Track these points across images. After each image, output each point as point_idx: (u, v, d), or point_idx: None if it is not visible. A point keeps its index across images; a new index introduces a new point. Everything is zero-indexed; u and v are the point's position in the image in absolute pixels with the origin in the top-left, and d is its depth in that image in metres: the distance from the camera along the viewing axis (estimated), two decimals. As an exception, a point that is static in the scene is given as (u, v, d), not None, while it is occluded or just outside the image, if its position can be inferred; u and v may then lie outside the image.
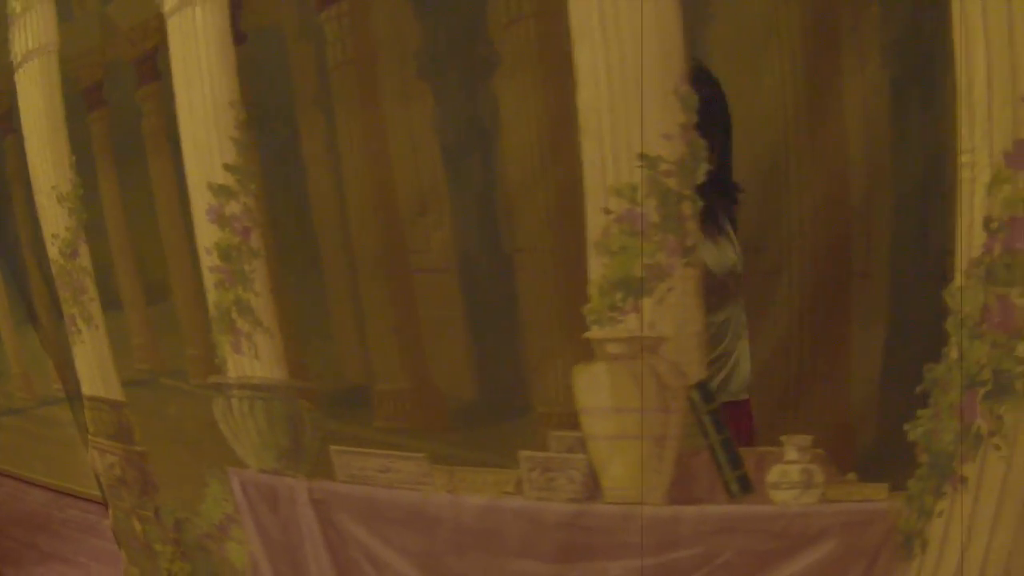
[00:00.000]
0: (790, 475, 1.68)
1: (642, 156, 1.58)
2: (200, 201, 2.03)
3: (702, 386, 1.66)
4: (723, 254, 1.95)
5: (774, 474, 1.68)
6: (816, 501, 1.69)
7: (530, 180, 2.07)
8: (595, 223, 1.62)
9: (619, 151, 1.59)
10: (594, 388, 1.68)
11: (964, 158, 1.53)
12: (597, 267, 1.63)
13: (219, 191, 2.00)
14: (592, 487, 1.74)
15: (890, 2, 2.23)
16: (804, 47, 2.15)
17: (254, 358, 2.03)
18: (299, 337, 2.20)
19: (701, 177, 1.59)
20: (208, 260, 2.04)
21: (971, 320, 1.57)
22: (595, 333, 1.65)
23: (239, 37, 2.21)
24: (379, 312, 2.21)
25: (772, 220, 2.17)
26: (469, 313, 2.12)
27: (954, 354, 1.57)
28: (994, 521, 1.64)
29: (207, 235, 2.03)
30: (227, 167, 1.99)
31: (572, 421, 1.91)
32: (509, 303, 2.07)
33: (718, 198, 1.94)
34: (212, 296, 2.05)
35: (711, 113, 1.80)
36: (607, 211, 1.61)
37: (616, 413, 1.68)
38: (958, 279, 1.56)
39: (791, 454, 1.67)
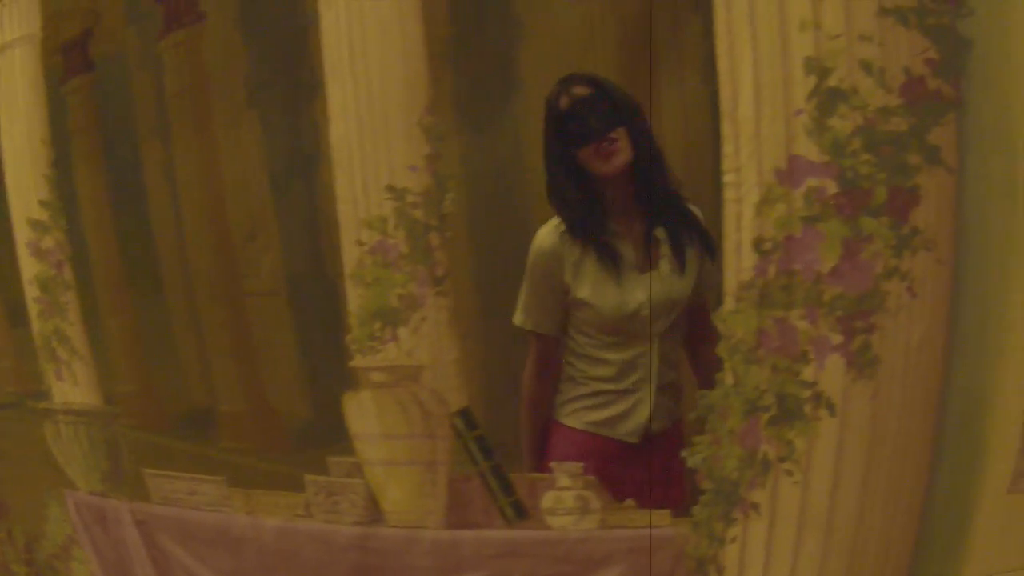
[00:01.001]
0: (564, 501, 1.66)
1: (390, 188, 1.58)
2: (21, 235, 2.08)
3: (464, 413, 1.64)
4: (624, 295, 1.76)
5: (548, 500, 1.66)
6: (596, 527, 1.67)
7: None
8: (350, 255, 1.63)
9: (369, 184, 1.59)
10: (362, 415, 1.68)
11: (728, 178, 1.47)
12: (355, 298, 1.64)
13: (36, 226, 2.05)
14: (374, 510, 1.74)
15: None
16: (620, 64, 2.12)
17: (74, 385, 2.07)
18: (147, 359, 2.25)
19: (448, 207, 1.59)
20: (31, 291, 2.09)
21: (745, 345, 1.51)
22: (358, 362, 1.66)
23: (88, 66, 2.27)
24: (217, 335, 2.25)
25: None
26: (300, 335, 2.15)
27: (730, 380, 1.53)
28: (796, 548, 1.58)
29: (28, 267, 2.07)
30: (42, 203, 2.04)
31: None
32: (335, 325, 2.09)
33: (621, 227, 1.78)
34: (36, 326, 2.10)
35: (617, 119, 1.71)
36: (360, 243, 1.61)
37: (385, 439, 1.68)
38: (728, 303, 1.51)
39: (563, 480, 1.64)
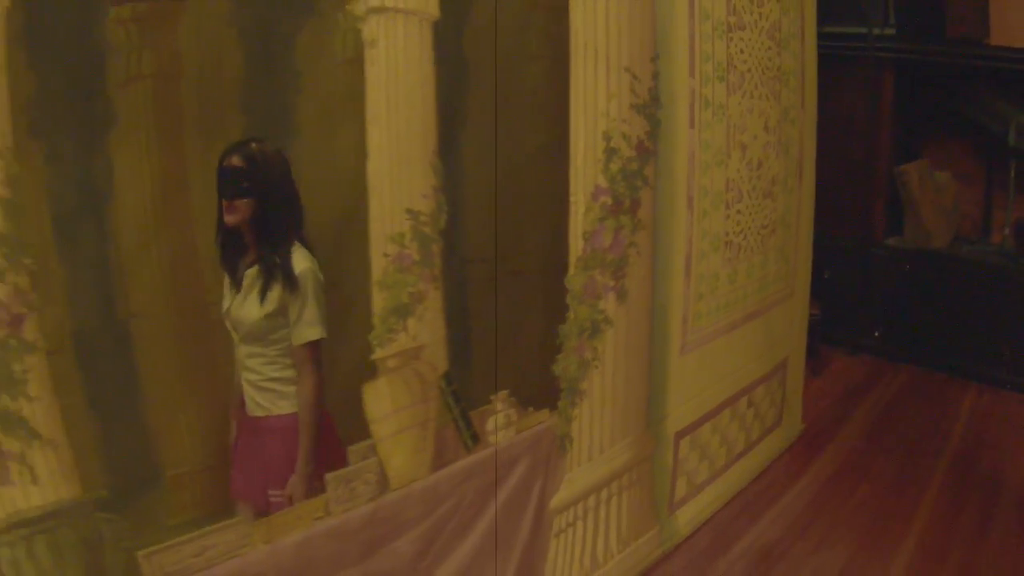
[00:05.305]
0: (500, 421, 2.20)
1: (408, 211, 1.93)
2: None
3: (446, 374, 2.05)
4: (224, 305, 2.06)
5: (490, 424, 2.18)
6: (514, 434, 2.26)
7: (144, 243, 1.94)
8: (377, 265, 1.89)
9: (394, 207, 1.91)
10: (378, 399, 1.92)
11: (572, 198, 2.30)
12: (379, 300, 1.89)
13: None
14: (384, 483, 1.94)
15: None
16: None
17: (30, 484, 1.52)
18: None
19: (443, 224, 2.00)
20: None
21: (579, 293, 2.35)
22: (378, 354, 1.91)
23: None
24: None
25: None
26: (89, 395, 1.80)
27: (572, 316, 2.34)
28: (601, 415, 2.49)
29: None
30: None
31: (197, 480, 2.01)
32: (129, 373, 1.92)
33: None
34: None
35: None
36: (386, 254, 1.90)
37: (395, 414, 1.96)
38: (571, 270, 2.33)
39: (499, 406, 2.19)
